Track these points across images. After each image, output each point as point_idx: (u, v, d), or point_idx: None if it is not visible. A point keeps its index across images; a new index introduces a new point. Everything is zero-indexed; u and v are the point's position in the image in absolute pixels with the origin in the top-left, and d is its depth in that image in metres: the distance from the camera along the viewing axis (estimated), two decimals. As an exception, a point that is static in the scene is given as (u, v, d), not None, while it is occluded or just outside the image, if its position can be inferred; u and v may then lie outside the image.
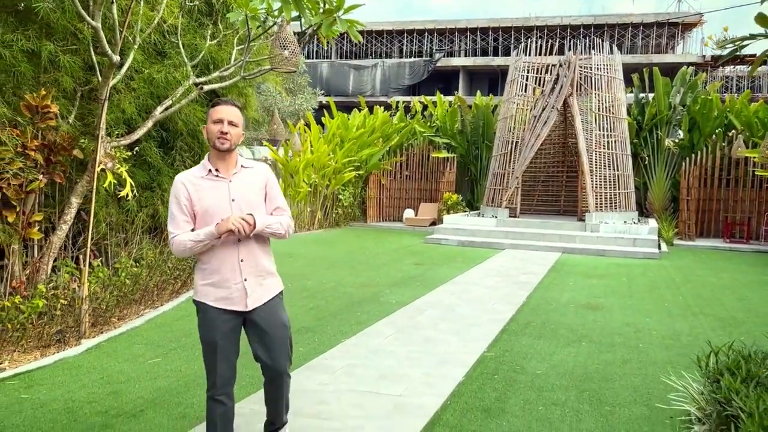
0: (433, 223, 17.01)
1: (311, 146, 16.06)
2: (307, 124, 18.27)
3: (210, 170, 2.90)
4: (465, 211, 16.96)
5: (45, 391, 4.18)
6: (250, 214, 2.83)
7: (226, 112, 2.87)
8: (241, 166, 2.97)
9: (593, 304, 7.53)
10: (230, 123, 2.87)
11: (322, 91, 29.75)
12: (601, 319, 6.73)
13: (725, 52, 4.06)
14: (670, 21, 38.34)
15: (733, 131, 15.97)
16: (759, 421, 2.60)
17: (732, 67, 36.47)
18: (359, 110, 19.02)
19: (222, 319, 2.87)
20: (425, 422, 3.68)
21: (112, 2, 5.03)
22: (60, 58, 5.47)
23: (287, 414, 3.23)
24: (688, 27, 39.11)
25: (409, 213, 18.00)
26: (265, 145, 15.24)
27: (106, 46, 5.06)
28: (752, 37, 3.99)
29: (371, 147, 17.60)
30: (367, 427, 3.60)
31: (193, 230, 2.86)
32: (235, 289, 2.87)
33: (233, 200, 2.88)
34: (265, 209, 3.00)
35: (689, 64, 23.15)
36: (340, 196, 17.10)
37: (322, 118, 18.63)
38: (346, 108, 31.80)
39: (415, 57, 41.84)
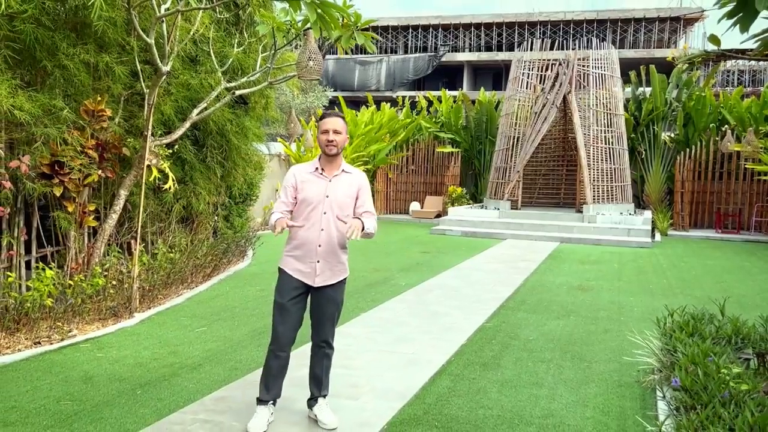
0: (438, 215, 17.79)
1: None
2: (318, 121, 19.08)
3: (317, 168, 3.58)
4: (469, 204, 17.75)
5: (115, 351, 5.00)
6: (358, 218, 3.43)
7: (332, 123, 3.49)
8: (343, 170, 3.57)
9: (584, 286, 8.31)
10: (335, 131, 3.48)
11: (332, 88, 30.52)
12: (589, 298, 7.51)
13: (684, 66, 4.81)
14: (672, 16, 38.86)
15: (726, 126, 16.67)
16: (690, 357, 3.38)
17: (733, 62, 37.01)
18: (366, 106, 19.80)
19: (293, 286, 3.54)
20: (434, 372, 4.51)
21: (162, 21, 5.82)
22: (114, 68, 6.26)
23: (327, 389, 3.69)
24: (689, 22, 39.60)
25: (415, 205, 18.79)
26: (280, 141, 16.05)
27: (157, 58, 5.85)
28: (706, 53, 4.75)
29: (379, 142, 18.38)
30: (387, 375, 4.42)
31: (290, 212, 3.54)
32: (309, 265, 3.52)
33: (327, 196, 3.49)
34: (353, 210, 3.56)
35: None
36: (350, 190, 17.89)
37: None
38: (352, 103, 32.56)
39: (420, 52, 42.49)
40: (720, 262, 10.83)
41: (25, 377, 4.32)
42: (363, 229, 3.39)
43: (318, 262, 3.52)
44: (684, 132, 17.35)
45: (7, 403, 3.83)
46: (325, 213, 3.50)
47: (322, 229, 3.51)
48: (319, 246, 3.51)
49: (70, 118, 5.98)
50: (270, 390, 3.60)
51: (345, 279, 3.67)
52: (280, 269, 3.63)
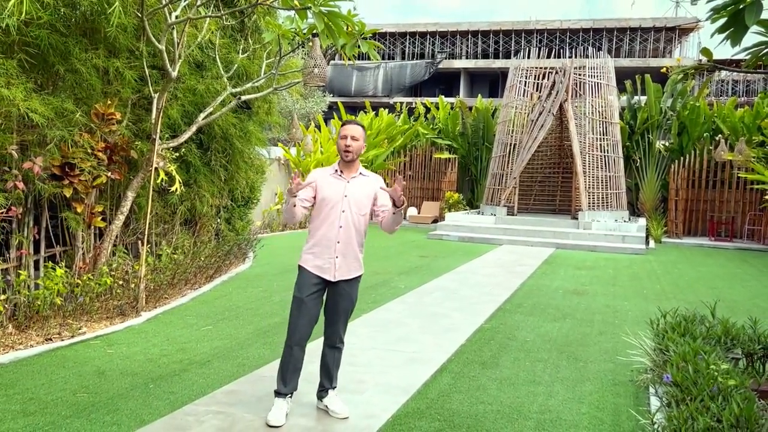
0: (435, 221, 17.98)
1: (321, 147, 17.01)
2: (318, 126, 19.26)
3: (336, 170, 3.79)
4: (465, 210, 17.94)
5: (125, 348, 5.14)
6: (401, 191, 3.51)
7: (350, 130, 3.71)
8: (360, 173, 3.80)
9: (579, 290, 8.49)
10: (352, 138, 3.70)
11: (331, 94, 30.73)
12: (585, 302, 7.69)
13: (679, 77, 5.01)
14: (667, 26, 39.28)
15: (719, 135, 16.94)
16: (681, 355, 3.56)
17: (727, 72, 37.46)
18: (364, 112, 20.00)
19: (312, 281, 3.72)
20: (435, 369, 4.67)
21: (173, 29, 5.98)
22: (124, 73, 6.41)
23: (336, 381, 3.89)
24: (685, 32, 40.04)
25: (412, 211, 18.98)
26: (279, 146, 16.23)
27: (168, 64, 6.02)
28: (699, 66, 4.95)
29: (377, 148, 18.57)
30: (391, 371, 4.58)
31: (307, 209, 3.73)
32: (328, 261, 3.71)
33: (345, 196, 3.71)
34: (371, 209, 3.79)
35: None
36: (348, 194, 18.05)
37: (331, 120, 19.61)
38: (349, 108, 32.74)
39: (417, 59, 42.78)
40: (712, 269, 11.04)
41: (39, 371, 4.46)
42: (399, 204, 3.55)
43: (337, 257, 3.71)
44: (678, 141, 17.60)
45: (25, 395, 3.97)
46: (343, 211, 3.70)
47: (341, 227, 3.71)
48: (338, 242, 3.71)
49: (82, 121, 6.12)
50: (288, 383, 3.74)
51: (360, 276, 3.88)
52: (300, 266, 3.80)
